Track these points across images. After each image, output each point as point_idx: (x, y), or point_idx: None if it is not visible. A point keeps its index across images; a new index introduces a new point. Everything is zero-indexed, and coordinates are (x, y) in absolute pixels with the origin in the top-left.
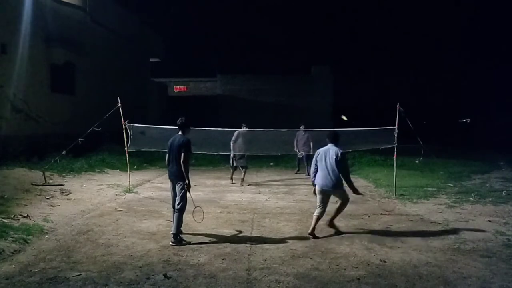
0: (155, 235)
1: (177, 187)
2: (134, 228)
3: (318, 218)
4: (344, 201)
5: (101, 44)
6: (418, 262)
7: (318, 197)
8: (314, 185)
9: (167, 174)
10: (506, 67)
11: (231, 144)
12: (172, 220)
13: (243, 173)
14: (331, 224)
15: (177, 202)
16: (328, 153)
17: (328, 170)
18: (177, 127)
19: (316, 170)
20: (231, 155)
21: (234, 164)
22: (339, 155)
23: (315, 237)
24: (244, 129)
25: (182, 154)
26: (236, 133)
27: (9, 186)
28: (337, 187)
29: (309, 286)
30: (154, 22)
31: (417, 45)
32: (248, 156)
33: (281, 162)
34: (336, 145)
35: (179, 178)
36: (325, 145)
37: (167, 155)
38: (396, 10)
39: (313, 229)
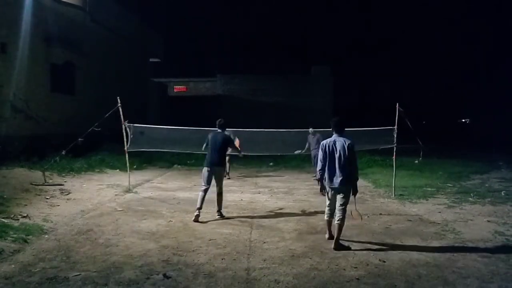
0: (155, 235)
1: (216, 173)
2: (134, 228)
3: (330, 223)
4: (346, 203)
5: (101, 44)
6: (418, 262)
7: (329, 196)
8: (322, 182)
9: (167, 174)
10: (506, 67)
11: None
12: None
13: None
14: (338, 246)
15: (217, 187)
16: (336, 144)
17: (339, 163)
18: (217, 127)
19: (325, 165)
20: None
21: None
22: (350, 144)
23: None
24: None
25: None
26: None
27: (8, 186)
28: (348, 183)
29: (309, 286)
30: (154, 22)
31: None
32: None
33: (280, 162)
34: (342, 135)
35: (219, 164)
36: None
37: (208, 146)
38: (396, 10)
39: (333, 236)
